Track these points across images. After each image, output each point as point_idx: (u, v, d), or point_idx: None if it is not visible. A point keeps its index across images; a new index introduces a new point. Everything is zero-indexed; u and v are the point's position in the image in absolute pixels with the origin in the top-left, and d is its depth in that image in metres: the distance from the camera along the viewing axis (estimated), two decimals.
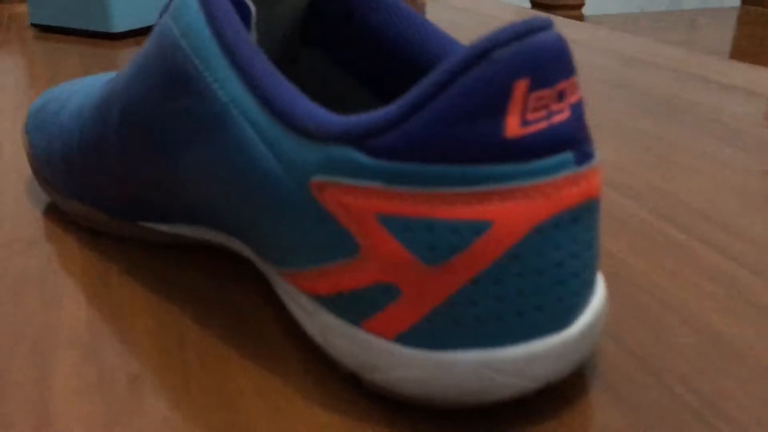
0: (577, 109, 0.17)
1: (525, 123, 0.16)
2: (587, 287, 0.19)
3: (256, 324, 0.23)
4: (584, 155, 0.17)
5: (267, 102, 0.19)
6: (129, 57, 0.59)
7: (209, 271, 0.26)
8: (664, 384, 0.21)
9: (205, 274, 0.26)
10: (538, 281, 0.17)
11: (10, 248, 0.28)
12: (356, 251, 0.18)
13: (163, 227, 0.27)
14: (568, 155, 0.17)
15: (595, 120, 0.43)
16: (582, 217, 0.18)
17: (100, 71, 0.55)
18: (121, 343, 0.22)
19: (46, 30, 0.71)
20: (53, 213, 0.31)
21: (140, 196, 0.26)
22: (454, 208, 0.17)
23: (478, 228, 0.17)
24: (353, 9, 0.24)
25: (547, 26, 0.17)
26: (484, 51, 0.16)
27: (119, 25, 0.66)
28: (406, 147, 0.17)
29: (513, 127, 0.16)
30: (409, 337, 0.18)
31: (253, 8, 0.21)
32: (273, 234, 0.20)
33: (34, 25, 0.71)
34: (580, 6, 1.33)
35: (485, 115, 0.16)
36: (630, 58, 0.58)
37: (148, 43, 0.23)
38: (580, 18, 1.35)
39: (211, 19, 0.21)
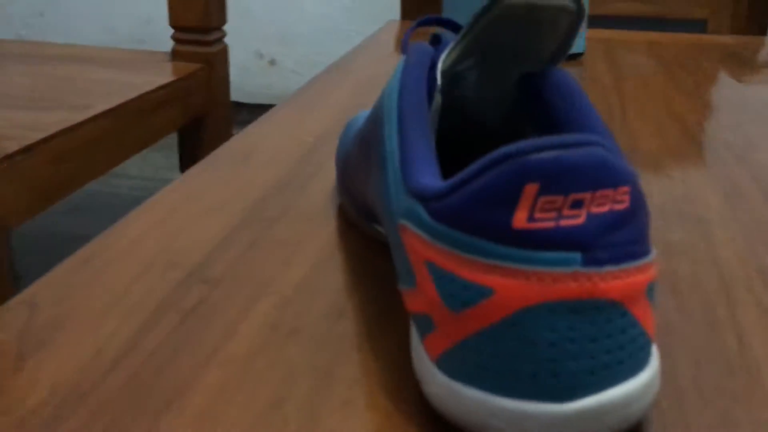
0: (602, 219, 0.20)
1: (532, 219, 0.20)
2: (593, 375, 0.21)
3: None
4: (596, 260, 0.20)
5: (403, 158, 0.25)
6: None
7: None
8: None
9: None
10: (532, 352, 0.20)
11: (292, 218, 0.39)
12: (415, 283, 0.23)
13: (383, 230, 0.35)
14: (574, 255, 0.20)
15: None
16: (583, 311, 0.20)
17: None
18: (307, 304, 0.31)
19: None
20: (335, 203, 0.41)
21: (367, 203, 0.34)
22: (468, 271, 0.21)
23: (484, 291, 0.21)
24: (539, 90, 0.28)
25: (586, 143, 0.20)
26: (509, 154, 0.20)
27: None
28: (447, 214, 0.21)
29: (520, 219, 0.20)
30: (441, 363, 0.23)
31: (439, 80, 0.27)
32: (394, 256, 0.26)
33: None
34: None
35: (500, 205, 0.20)
36: None
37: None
38: None
39: (402, 86, 0.27)
